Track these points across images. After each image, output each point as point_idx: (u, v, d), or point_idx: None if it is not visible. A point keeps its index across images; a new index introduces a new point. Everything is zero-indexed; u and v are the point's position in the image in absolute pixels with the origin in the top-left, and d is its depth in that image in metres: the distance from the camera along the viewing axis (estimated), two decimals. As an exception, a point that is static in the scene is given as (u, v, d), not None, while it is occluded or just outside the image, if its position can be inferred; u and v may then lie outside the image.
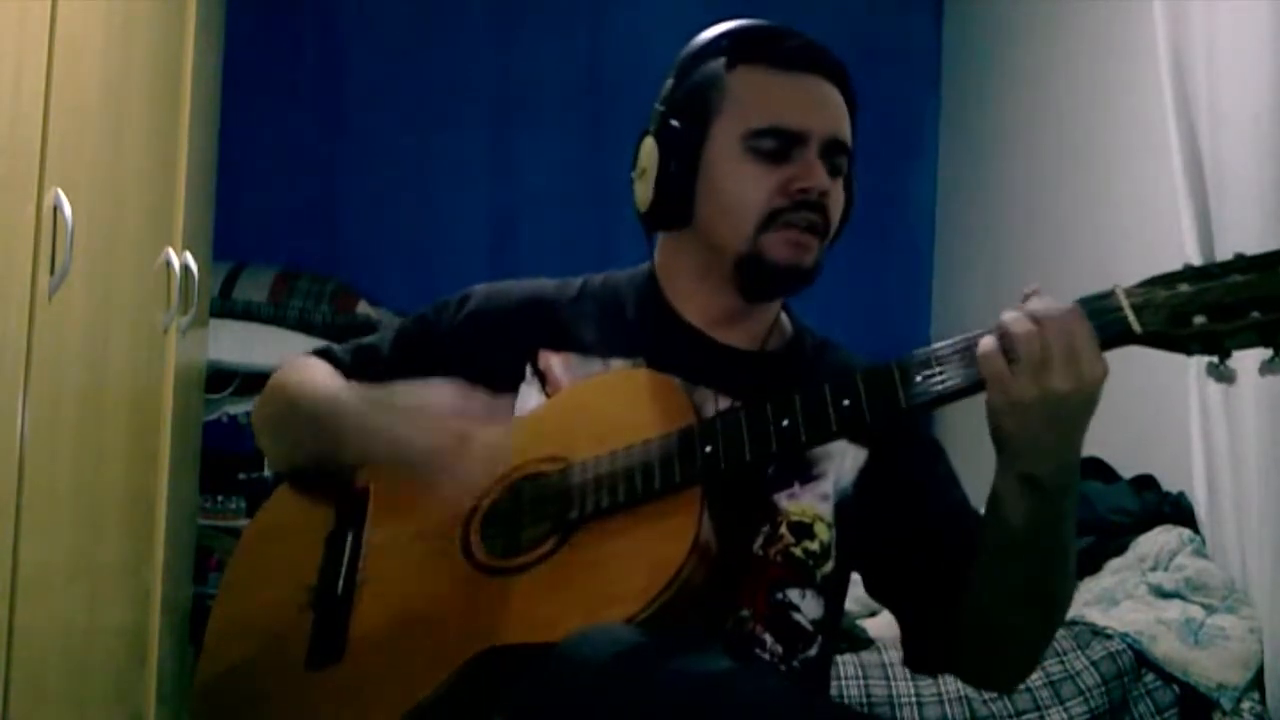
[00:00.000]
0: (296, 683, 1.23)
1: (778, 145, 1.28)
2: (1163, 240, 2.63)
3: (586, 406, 1.29)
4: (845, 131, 1.32)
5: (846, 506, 1.29)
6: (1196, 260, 2.34)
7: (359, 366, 1.40)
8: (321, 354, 1.44)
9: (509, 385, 1.34)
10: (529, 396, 1.33)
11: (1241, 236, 2.23)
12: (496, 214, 3.95)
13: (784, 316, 1.40)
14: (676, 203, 1.31)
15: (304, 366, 1.42)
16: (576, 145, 3.90)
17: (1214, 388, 2.37)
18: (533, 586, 1.16)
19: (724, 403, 1.27)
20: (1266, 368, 1.01)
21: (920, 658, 1.32)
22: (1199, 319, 1.02)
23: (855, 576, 1.36)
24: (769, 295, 1.34)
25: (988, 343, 1.06)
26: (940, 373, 1.10)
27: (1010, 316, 1.05)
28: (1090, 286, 1.09)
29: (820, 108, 1.30)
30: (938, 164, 4.15)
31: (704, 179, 1.30)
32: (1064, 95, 3.35)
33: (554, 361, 1.34)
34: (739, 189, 1.28)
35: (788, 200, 1.27)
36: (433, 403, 1.22)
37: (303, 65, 3.91)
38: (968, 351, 1.09)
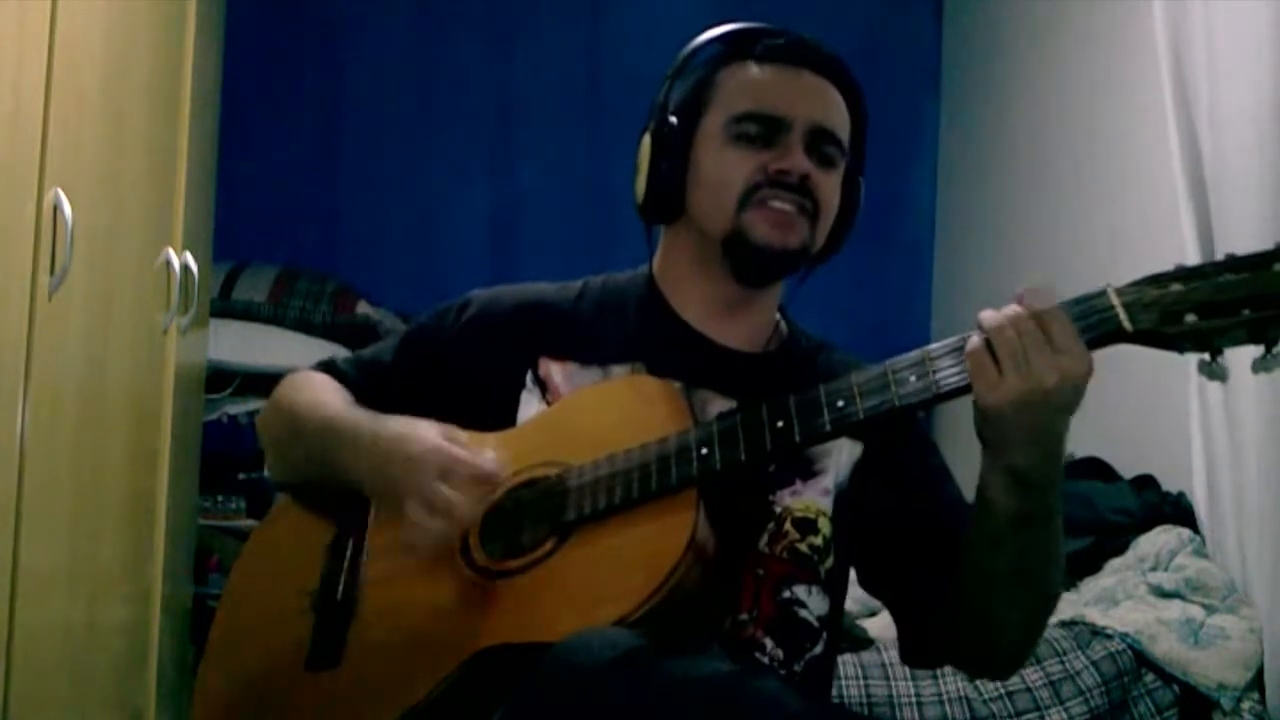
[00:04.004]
0: (297, 684, 1.24)
1: (760, 130, 1.30)
2: (1163, 240, 2.63)
3: (585, 413, 1.30)
4: (834, 122, 1.33)
5: (843, 501, 1.30)
6: (1196, 260, 2.34)
7: (363, 378, 1.41)
8: (325, 367, 1.45)
9: (510, 392, 1.34)
10: (529, 404, 1.33)
11: (1242, 237, 2.23)
12: (496, 214, 3.95)
13: (781, 319, 1.41)
14: (668, 195, 1.33)
15: (306, 384, 1.42)
16: (576, 145, 3.90)
17: (1214, 388, 2.37)
18: (530, 587, 1.16)
19: (723, 405, 1.28)
20: (1259, 365, 1.03)
21: (916, 650, 1.33)
22: (1190, 317, 1.03)
23: (854, 577, 1.37)
24: (760, 276, 1.34)
25: (974, 341, 1.07)
26: (934, 373, 1.11)
27: (986, 313, 1.08)
28: (1090, 286, 1.10)
29: (804, 97, 1.32)
30: (938, 164, 4.15)
31: (693, 170, 1.33)
32: (1064, 95, 3.35)
33: (554, 369, 1.34)
34: (721, 171, 1.31)
35: (765, 179, 1.29)
36: (423, 441, 1.20)
37: (303, 65, 3.91)
38: (960, 351, 1.10)
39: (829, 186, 1.32)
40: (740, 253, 1.31)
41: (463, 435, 1.22)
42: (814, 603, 1.28)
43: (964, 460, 1.40)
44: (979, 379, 1.07)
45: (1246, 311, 1.02)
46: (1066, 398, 1.05)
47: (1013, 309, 1.07)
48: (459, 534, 1.20)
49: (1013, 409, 1.05)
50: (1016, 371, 1.05)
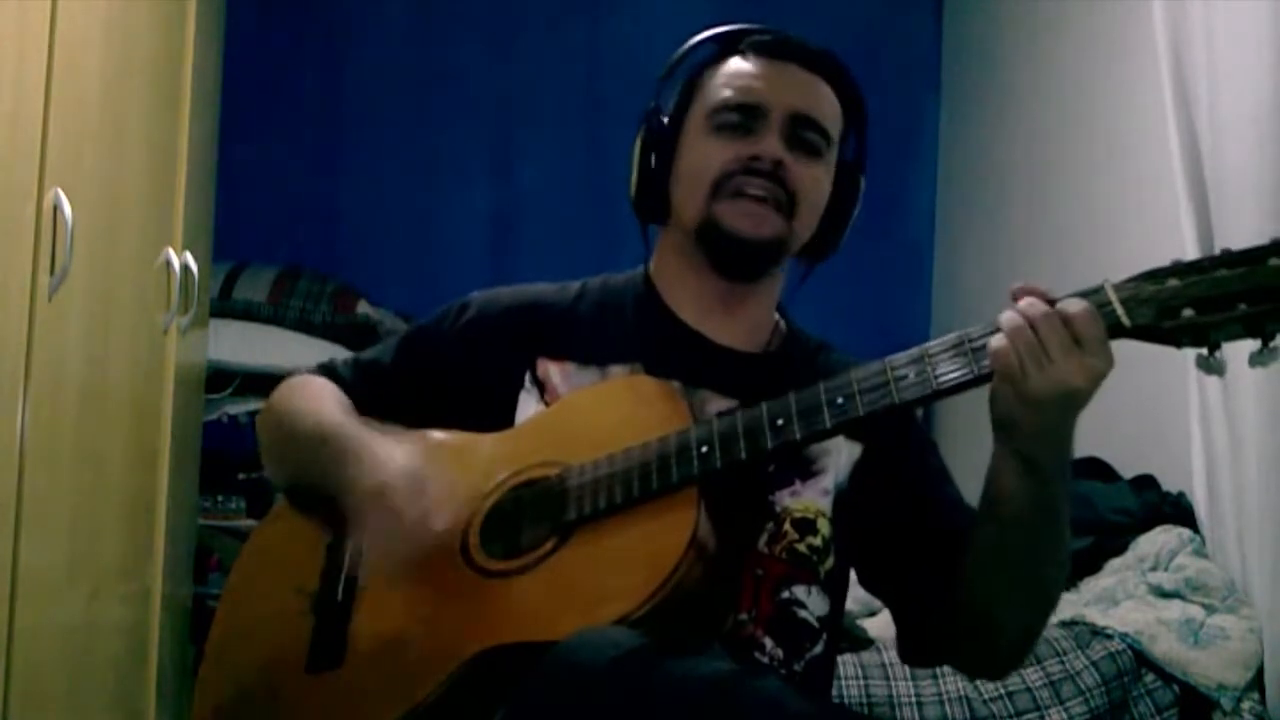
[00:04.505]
0: (297, 686, 1.24)
1: (738, 120, 1.31)
2: (1163, 240, 2.63)
3: (584, 413, 1.30)
4: (817, 110, 1.33)
5: (842, 501, 1.30)
6: (1196, 260, 2.34)
7: (362, 381, 1.41)
8: (324, 370, 1.45)
9: (508, 393, 1.34)
10: (528, 405, 1.34)
11: (1241, 236, 2.22)
12: (496, 214, 3.95)
13: (780, 320, 1.41)
14: (656, 192, 1.34)
15: (304, 389, 1.42)
16: (576, 145, 3.90)
17: (1214, 388, 2.37)
18: (531, 587, 1.16)
19: (722, 405, 1.28)
20: (1256, 359, 1.03)
21: (915, 649, 1.33)
22: (1187, 312, 1.04)
23: (854, 576, 1.37)
24: (737, 268, 1.34)
25: (999, 340, 1.07)
26: (932, 370, 1.11)
27: (1005, 315, 1.08)
28: (1089, 285, 1.10)
29: (786, 87, 1.33)
30: (938, 164, 4.15)
31: (676, 165, 1.34)
32: (1064, 95, 3.35)
33: (553, 370, 1.34)
34: (698, 161, 1.32)
35: (738, 167, 1.30)
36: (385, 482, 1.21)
37: (303, 65, 3.91)
38: (959, 348, 1.11)
39: (808, 176, 1.32)
40: (713, 243, 1.31)
41: (434, 475, 1.21)
42: (813, 603, 1.28)
43: (965, 459, 1.40)
44: (1004, 376, 1.07)
45: (1243, 306, 1.03)
46: (1089, 396, 1.06)
47: (1040, 308, 1.07)
48: (462, 522, 1.21)
49: (1037, 405, 1.06)
50: (1040, 372, 1.05)
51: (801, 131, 1.32)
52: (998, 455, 1.13)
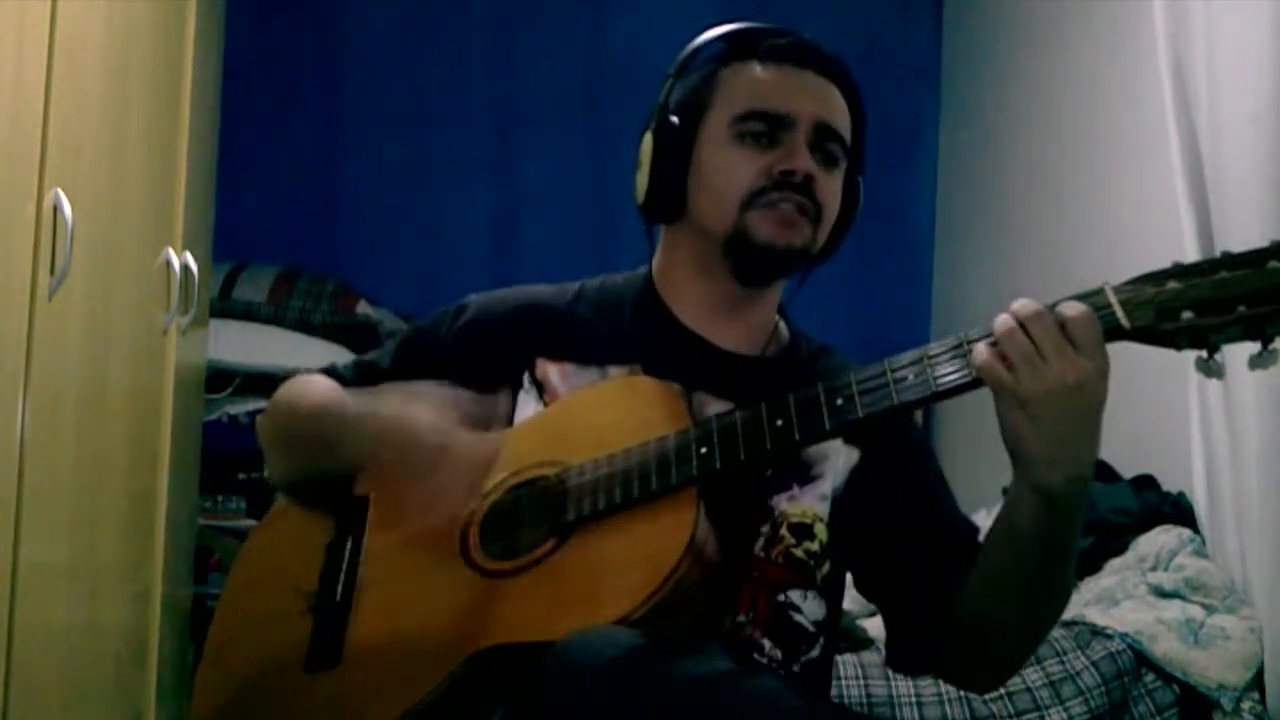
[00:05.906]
0: (296, 686, 1.23)
1: (764, 129, 1.30)
2: (1163, 240, 2.63)
3: (584, 413, 1.30)
4: (837, 119, 1.33)
5: (839, 506, 1.30)
6: (1196, 260, 2.34)
7: (362, 383, 1.41)
8: (326, 372, 1.45)
9: (507, 394, 1.34)
10: (527, 405, 1.34)
11: (1241, 237, 2.23)
12: (496, 214, 3.95)
13: (781, 322, 1.41)
14: (669, 194, 1.33)
15: (306, 382, 1.42)
16: (576, 145, 3.90)
17: (1214, 388, 2.37)
18: (530, 587, 1.16)
19: (720, 407, 1.28)
20: (1255, 361, 1.03)
21: (904, 656, 1.33)
22: (1186, 314, 1.04)
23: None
24: (761, 276, 1.34)
25: (981, 349, 1.07)
26: (931, 371, 1.11)
27: (998, 319, 1.07)
28: (1090, 286, 1.10)
29: (808, 95, 1.32)
30: (938, 164, 4.15)
31: (695, 169, 1.32)
32: (1064, 95, 3.35)
33: (551, 370, 1.34)
34: (725, 171, 1.31)
35: (770, 181, 1.29)
36: (422, 399, 1.22)
37: (303, 65, 3.92)
38: (959, 349, 1.10)
39: (831, 187, 1.32)
40: (742, 253, 1.31)
41: (466, 398, 1.23)
42: (809, 607, 1.28)
43: (964, 463, 1.40)
44: (994, 384, 1.06)
45: (1243, 308, 1.03)
46: (1090, 396, 1.05)
47: (1032, 308, 1.07)
48: (462, 521, 1.20)
49: (1035, 410, 1.05)
50: (1034, 373, 1.04)
51: (825, 142, 1.31)
52: (1015, 486, 1.12)
